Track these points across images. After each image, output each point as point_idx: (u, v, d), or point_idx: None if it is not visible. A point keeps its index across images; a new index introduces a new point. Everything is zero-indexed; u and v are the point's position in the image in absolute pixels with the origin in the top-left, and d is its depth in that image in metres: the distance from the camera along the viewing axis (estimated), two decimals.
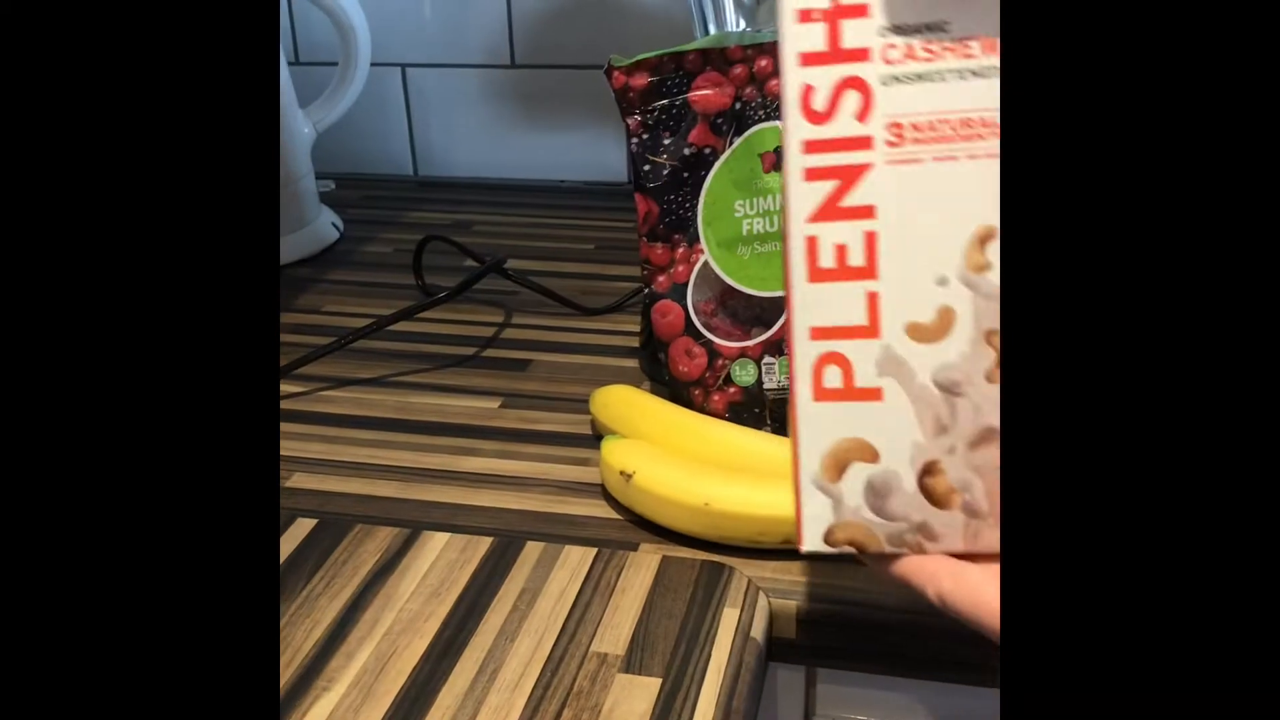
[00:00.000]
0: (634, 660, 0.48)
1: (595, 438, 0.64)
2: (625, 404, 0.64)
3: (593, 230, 0.96)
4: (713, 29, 0.76)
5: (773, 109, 0.62)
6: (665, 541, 0.57)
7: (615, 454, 0.59)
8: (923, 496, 0.39)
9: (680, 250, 0.63)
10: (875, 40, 0.37)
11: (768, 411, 0.62)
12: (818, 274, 0.38)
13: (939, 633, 0.51)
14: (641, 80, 0.62)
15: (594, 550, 0.55)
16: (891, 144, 0.38)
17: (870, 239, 0.38)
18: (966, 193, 0.37)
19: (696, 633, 0.50)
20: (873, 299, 0.38)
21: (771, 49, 0.62)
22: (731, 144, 0.62)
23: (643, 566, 0.54)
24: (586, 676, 0.48)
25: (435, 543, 0.56)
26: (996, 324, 0.38)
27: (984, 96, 0.37)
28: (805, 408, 0.39)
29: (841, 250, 0.38)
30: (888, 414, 0.39)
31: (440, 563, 0.55)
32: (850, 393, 0.39)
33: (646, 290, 0.64)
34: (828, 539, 0.40)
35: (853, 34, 0.37)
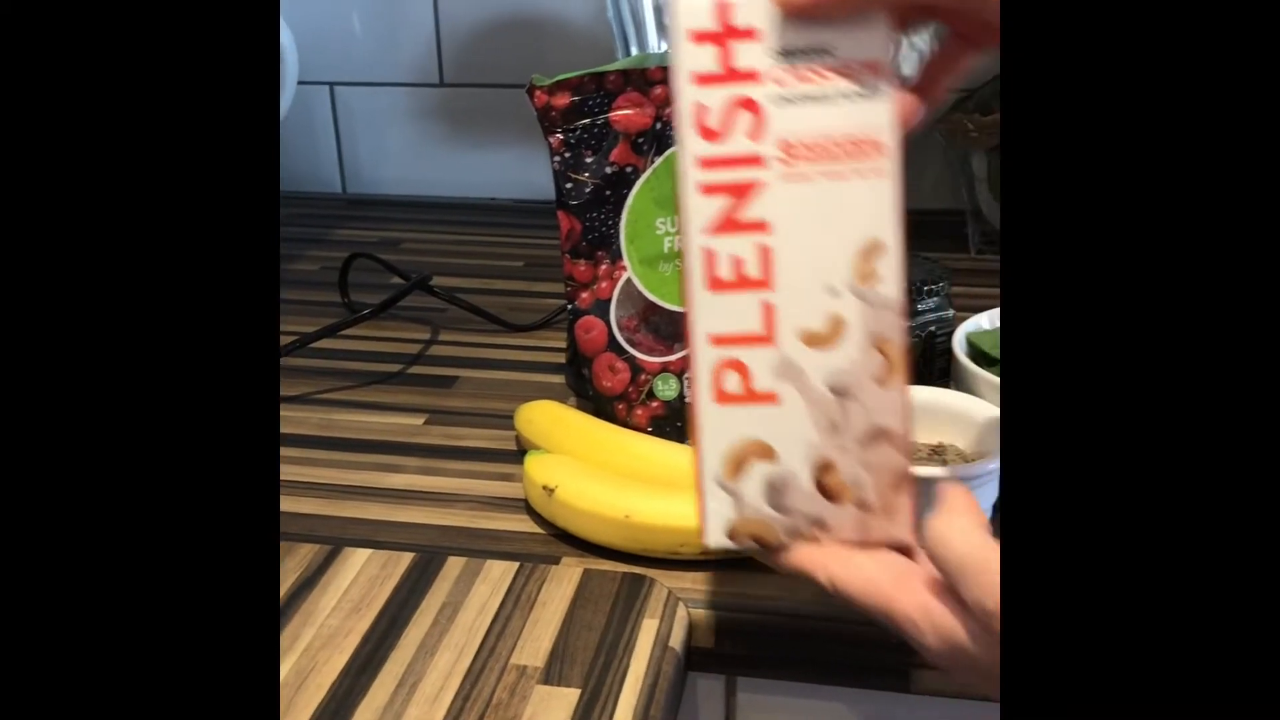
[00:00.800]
0: (553, 672, 0.49)
1: (520, 453, 0.65)
2: (549, 419, 0.64)
3: (521, 248, 0.97)
4: (634, 50, 0.77)
5: None
6: (587, 555, 0.57)
7: (538, 469, 0.59)
8: (818, 492, 0.41)
9: (603, 267, 0.64)
10: (765, 63, 0.39)
11: (689, 425, 0.63)
12: (716, 284, 0.40)
13: (857, 639, 0.52)
14: (563, 100, 0.63)
15: (516, 564, 0.56)
16: (783, 162, 0.39)
17: (765, 252, 0.40)
18: (856, 209, 0.39)
19: (616, 644, 0.50)
20: (768, 308, 0.40)
21: None
22: (653, 163, 0.63)
23: (564, 580, 0.55)
24: (505, 689, 0.48)
25: (356, 559, 0.56)
26: (884, 331, 0.40)
27: (873, 118, 0.39)
28: (706, 411, 0.41)
29: (738, 262, 0.40)
30: (784, 416, 0.41)
31: (361, 579, 0.55)
32: (748, 396, 0.41)
33: (570, 307, 0.65)
34: (730, 534, 0.42)
35: (744, 56, 0.39)
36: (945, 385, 0.65)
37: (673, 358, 0.63)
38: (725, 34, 0.39)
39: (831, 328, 0.40)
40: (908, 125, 0.41)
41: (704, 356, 0.41)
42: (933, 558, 0.37)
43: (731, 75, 0.39)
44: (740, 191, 0.40)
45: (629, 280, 0.64)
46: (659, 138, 0.63)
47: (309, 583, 0.55)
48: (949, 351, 0.65)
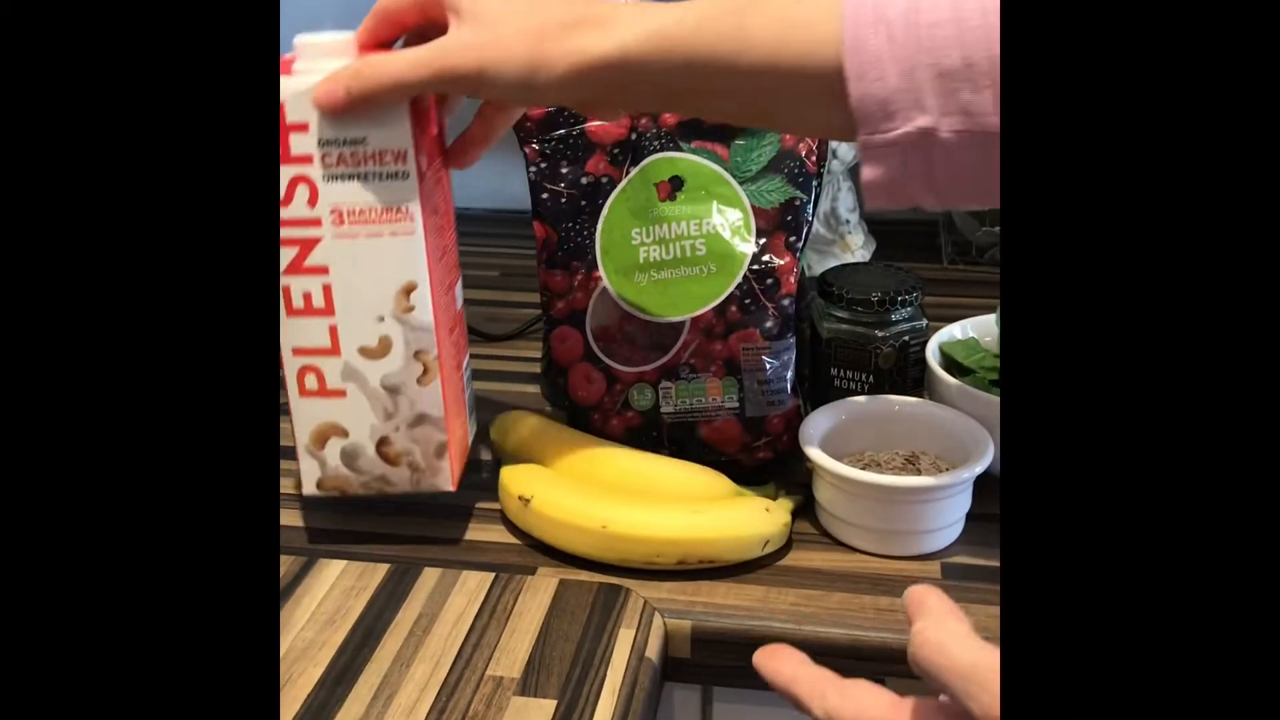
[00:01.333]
0: (529, 683, 0.49)
1: (496, 463, 0.65)
2: (525, 430, 0.64)
3: (497, 257, 0.97)
4: None
5: (667, 140, 0.63)
6: (563, 565, 0.57)
7: (514, 479, 0.59)
8: (380, 459, 0.57)
9: (579, 277, 0.64)
10: (316, 149, 0.52)
11: (665, 434, 0.63)
12: (293, 311, 0.55)
13: (833, 649, 0.52)
14: (539, 110, 0.63)
15: (492, 575, 0.56)
16: (335, 224, 0.53)
17: (327, 289, 0.54)
18: (393, 259, 0.54)
19: (592, 654, 0.50)
20: (333, 330, 0.55)
21: None
22: (628, 173, 0.64)
23: (540, 590, 0.55)
24: (482, 700, 0.48)
25: (331, 570, 0.56)
26: (422, 345, 0.55)
27: (401, 193, 0.53)
28: (295, 402, 0.57)
29: (308, 296, 0.55)
30: (351, 406, 0.56)
31: (336, 590, 0.55)
32: (324, 392, 0.56)
33: (545, 316, 0.65)
34: (319, 487, 0.58)
35: (298, 144, 0.52)
36: (919, 394, 0.65)
37: (648, 368, 0.63)
38: (285, 128, 0.52)
39: (381, 345, 0.55)
40: (465, 166, 0.59)
41: (291, 364, 0.56)
42: (933, 667, 0.35)
43: (290, 159, 0.52)
44: (305, 245, 0.54)
45: (604, 290, 0.64)
46: (634, 148, 0.63)
47: (283, 594, 0.54)
48: (923, 361, 0.65)
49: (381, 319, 0.55)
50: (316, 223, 0.53)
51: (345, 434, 0.57)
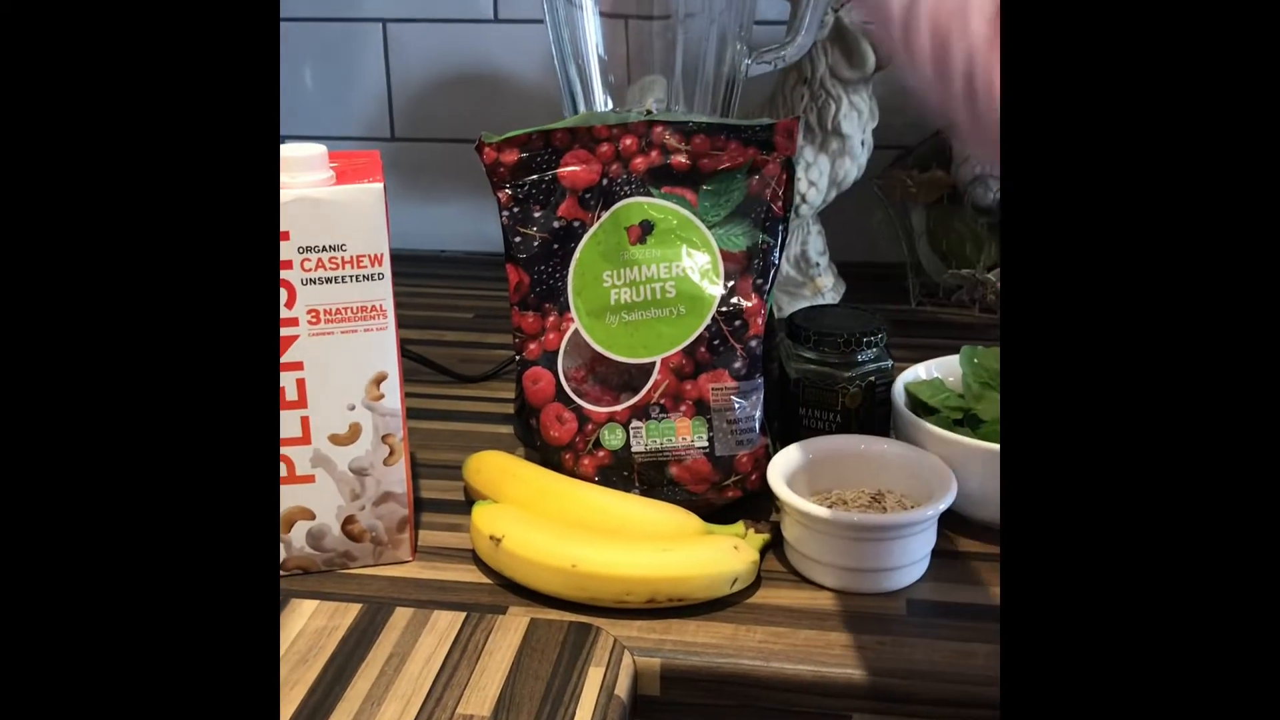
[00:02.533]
0: None
1: (468, 503, 0.65)
2: (497, 470, 0.65)
3: (471, 299, 0.98)
4: (582, 108, 0.79)
5: (638, 185, 0.65)
6: (534, 604, 0.58)
7: (485, 519, 0.60)
8: (345, 537, 0.60)
9: (551, 319, 0.65)
10: (296, 255, 0.55)
11: (635, 474, 0.64)
12: None
13: (799, 686, 0.53)
14: (511, 156, 0.65)
15: (463, 614, 0.56)
16: (312, 323, 0.56)
17: (300, 383, 0.57)
18: (365, 352, 0.57)
19: (562, 692, 0.51)
20: (305, 421, 0.58)
21: (636, 129, 0.65)
22: (599, 217, 0.65)
23: (511, 629, 0.55)
24: None
25: (304, 610, 0.56)
26: (389, 429, 0.58)
27: (376, 291, 0.56)
28: None
29: (282, 390, 0.57)
30: (319, 490, 0.59)
31: (308, 630, 0.55)
32: (293, 479, 0.58)
33: (518, 358, 0.66)
34: (283, 567, 0.60)
35: (280, 251, 0.54)
36: (885, 434, 0.67)
37: (619, 408, 0.64)
38: None
39: (351, 431, 0.58)
40: None
41: None
42: None
43: None
44: (282, 343, 0.56)
45: (576, 331, 0.65)
46: (605, 193, 0.65)
47: None
48: (889, 401, 0.66)
49: (352, 407, 0.58)
50: (294, 322, 0.56)
51: (312, 516, 0.59)
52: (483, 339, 0.90)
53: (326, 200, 0.55)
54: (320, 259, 0.55)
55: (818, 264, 0.93)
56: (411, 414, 0.77)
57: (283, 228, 0.55)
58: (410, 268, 1.03)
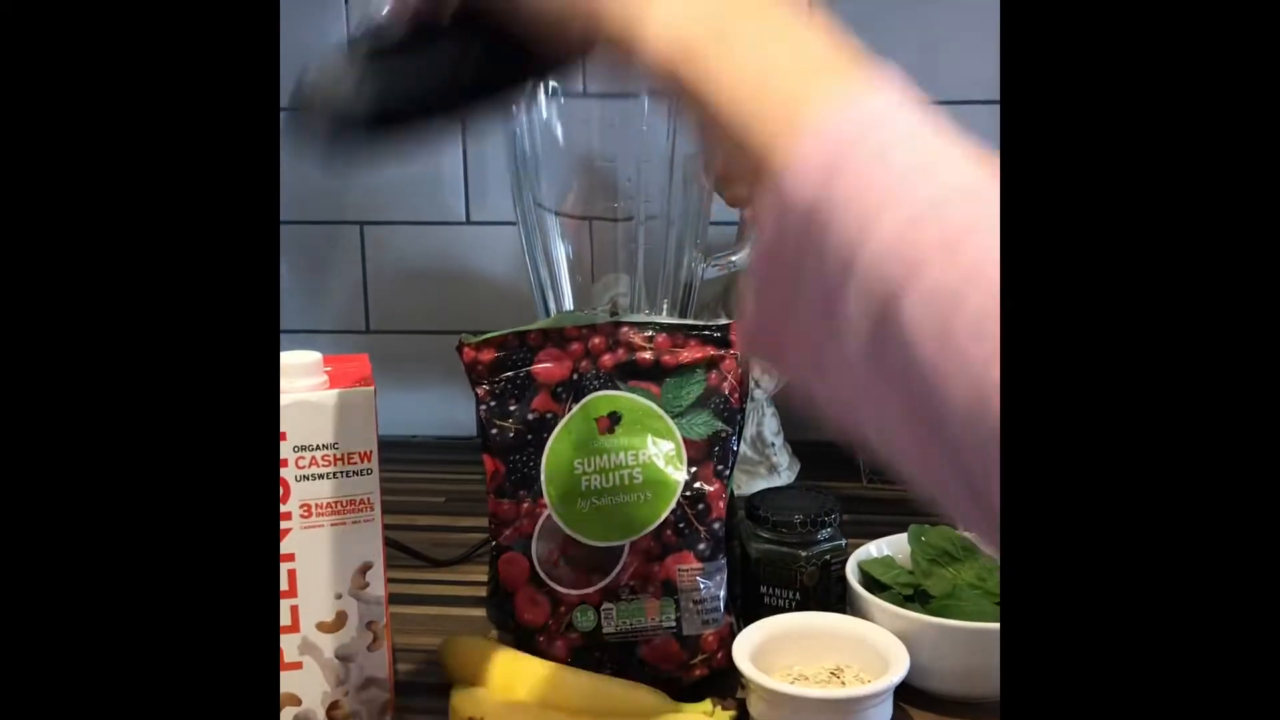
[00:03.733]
0: None
1: (447, 686, 0.67)
2: (474, 653, 0.68)
3: (443, 483, 1.01)
4: (551, 303, 0.85)
5: (606, 380, 0.70)
6: None
7: (464, 703, 0.62)
8: None
9: (525, 505, 0.69)
10: (291, 454, 0.59)
11: (607, 654, 0.67)
12: None
13: None
14: (489, 355, 0.70)
15: None
16: (304, 516, 0.60)
17: (291, 573, 0.60)
18: (353, 543, 0.60)
19: None
20: (295, 609, 0.60)
21: (603, 329, 0.71)
22: (570, 409, 0.70)
23: None
24: None
25: None
26: (373, 617, 0.61)
27: (364, 486, 0.60)
28: None
29: None
30: (306, 676, 0.61)
31: None
32: (281, 666, 0.60)
33: (494, 543, 0.70)
34: None
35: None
36: (842, 611, 0.70)
37: (590, 590, 0.67)
38: None
39: (337, 620, 0.61)
40: None
41: None
42: None
43: None
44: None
45: (549, 517, 0.69)
46: (576, 387, 0.70)
47: None
48: (844, 578, 0.70)
49: (339, 596, 0.61)
50: (288, 516, 0.60)
51: (299, 702, 0.61)
52: (455, 523, 0.93)
53: (323, 403, 0.59)
54: (314, 457, 0.59)
55: (773, 444, 0.98)
56: (389, 599, 0.80)
57: (281, 428, 0.59)
58: (384, 453, 1.06)
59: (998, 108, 0.37)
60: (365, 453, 0.60)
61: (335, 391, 0.60)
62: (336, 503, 0.60)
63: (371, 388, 0.60)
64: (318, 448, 0.59)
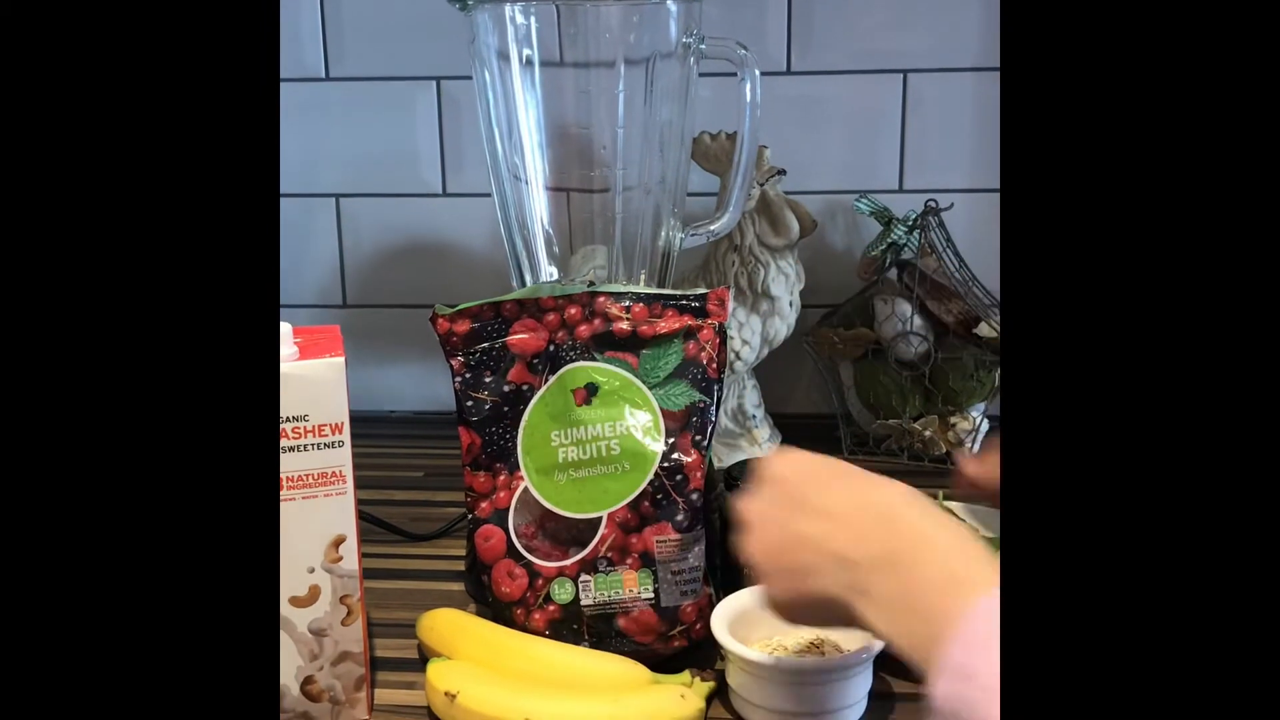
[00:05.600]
0: None
1: (423, 661, 0.67)
2: (450, 627, 0.67)
3: (422, 458, 1.01)
4: (528, 275, 0.84)
5: (582, 351, 0.69)
6: None
7: (440, 676, 0.62)
8: (304, 697, 0.61)
9: (501, 478, 0.68)
10: None
11: (585, 627, 0.66)
12: None
13: None
14: (464, 326, 0.69)
15: None
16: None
17: None
18: (325, 516, 0.60)
19: None
20: None
21: (580, 299, 0.70)
22: (546, 381, 0.69)
23: None
24: None
25: None
26: (347, 590, 0.60)
27: (338, 458, 0.59)
28: None
29: None
30: (281, 652, 0.59)
31: None
32: None
33: (470, 516, 0.69)
34: None
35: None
36: None
37: (568, 562, 0.67)
38: None
39: (311, 593, 0.60)
40: None
41: None
42: None
43: None
44: None
45: (526, 489, 0.68)
46: (552, 358, 0.69)
47: None
48: None
49: (312, 570, 0.60)
50: None
51: None
52: (432, 497, 0.92)
53: (293, 375, 0.58)
54: (285, 429, 0.58)
55: (754, 416, 0.98)
56: (365, 573, 0.79)
57: None
58: (361, 429, 1.06)
59: (971, 74, 0.37)
60: (337, 424, 0.59)
61: (305, 363, 0.59)
62: (308, 475, 0.59)
63: (342, 358, 0.59)
64: (289, 419, 0.58)
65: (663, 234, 0.83)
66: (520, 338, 0.69)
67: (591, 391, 0.69)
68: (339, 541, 0.60)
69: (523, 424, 0.69)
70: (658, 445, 0.68)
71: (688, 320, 0.70)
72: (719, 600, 0.66)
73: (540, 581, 0.67)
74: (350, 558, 0.60)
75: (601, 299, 0.70)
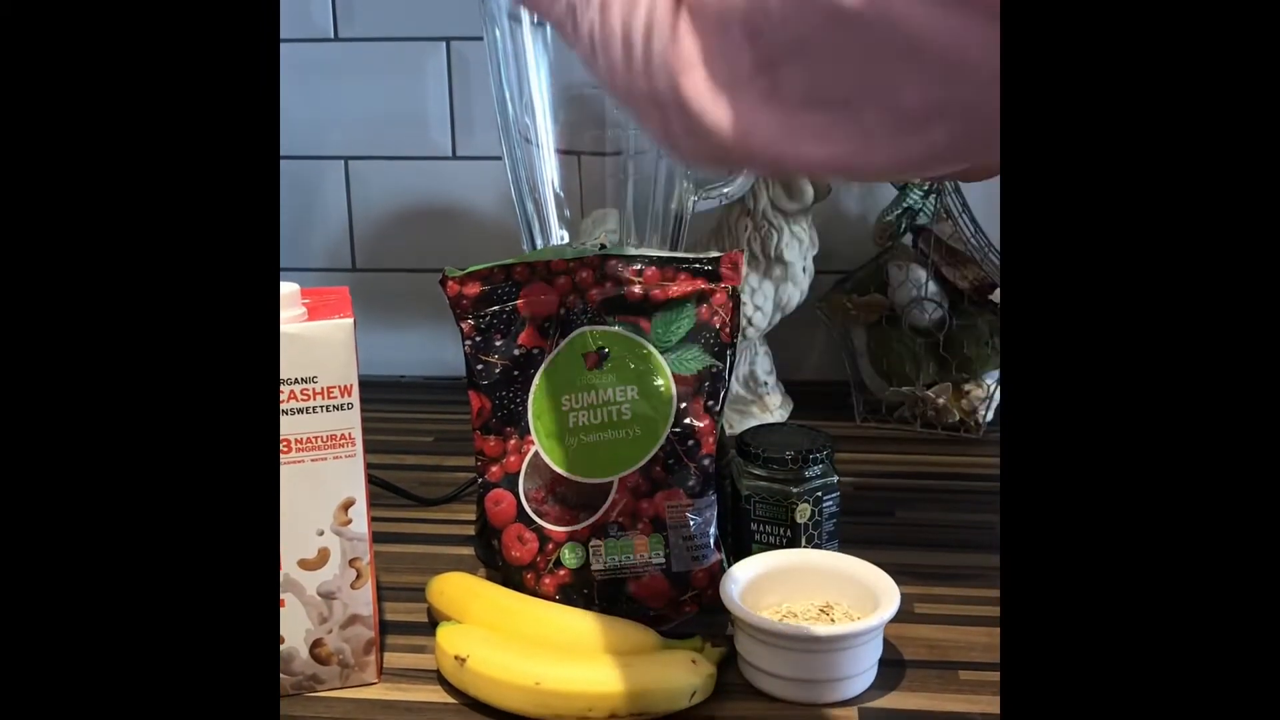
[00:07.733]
0: None
1: (432, 625, 0.67)
2: (460, 591, 0.67)
3: (431, 423, 1.00)
4: (539, 240, 0.83)
5: (593, 314, 0.68)
6: None
7: (449, 639, 0.62)
8: (313, 660, 0.61)
9: (511, 442, 0.68)
10: None
11: (595, 592, 0.66)
12: None
13: None
14: (474, 289, 0.68)
15: None
16: (284, 451, 0.58)
17: None
18: (334, 479, 0.59)
19: None
20: None
21: (591, 262, 0.69)
22: (557, 345, 0.68)
23: None
24: None
25: None
26: (357, 553, 0.60)
27: (346, 421, 0.59)
28: None
29: None
30: (288, 614, 0.60)
31: None
32: None
33: (480, 480, 0.69)
34: None
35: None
36: (834, 547, 0.69)
37: (578, 526, 0.67)
38: None
39: (320, 556, 0.60)
40: None
41: None
42: None
43: None
44: None
45: (536, 454, 0.68)
46: (563, 322, 0.68)
47: None
48: (836, 515, 0.69)
49: (321, 533, 0.59)
50: None
51: (281, 640, 0.60)
52: (442, 462, 0.92)
53: (301, 336, 0.57)
54: (293, 390, 0.58)
55: (766, 383, 0.97)
56: (375, 538, 0.79)
57: None
58: (371, 393, 1.05)
59: None
60: (346, 386, 0.59)
61: (314, 324, 0.58)
62: (317, 437, 0.58)
63: (351, 319, 0.59)
64: (297, 381, 0.58)
65: (675, 197, 0.82)
66: (531, 301, 0.69)
67: (602, 356, 0.68)
68: (348, 504, 0.60)
69: (533, 388, 0.68)
70: (669, 410, 0.67)
71: (701, 284, 0.69)
72: (730, 566, 0.65)
73: (550, 546, 0.67)
74: (360, 521, 0.60)
75: (613, 262, 0.69)
